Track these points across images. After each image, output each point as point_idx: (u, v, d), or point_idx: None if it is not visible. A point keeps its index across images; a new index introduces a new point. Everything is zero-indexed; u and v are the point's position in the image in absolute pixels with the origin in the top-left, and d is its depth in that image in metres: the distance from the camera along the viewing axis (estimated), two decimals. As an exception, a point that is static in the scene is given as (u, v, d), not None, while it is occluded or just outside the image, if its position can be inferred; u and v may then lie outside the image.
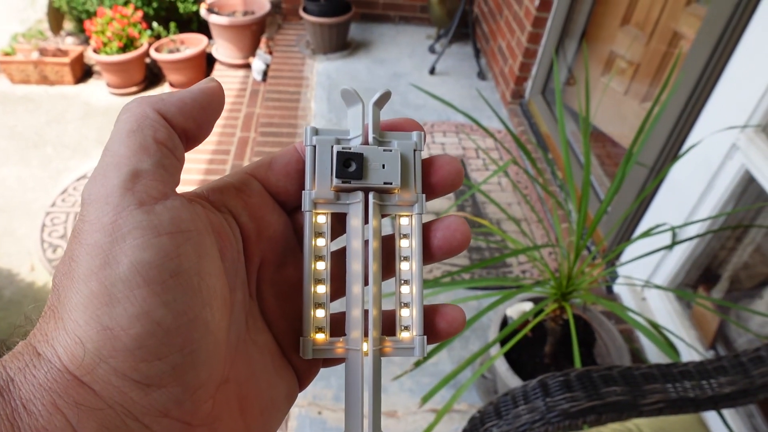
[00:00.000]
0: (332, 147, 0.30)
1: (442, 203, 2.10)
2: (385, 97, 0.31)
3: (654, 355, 1.59)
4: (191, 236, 0.23)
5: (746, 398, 0.75)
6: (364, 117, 0.30)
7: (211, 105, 0.27)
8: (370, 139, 0.30)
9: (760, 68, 1.25)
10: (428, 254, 0.31)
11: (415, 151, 0.31)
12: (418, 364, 1.01)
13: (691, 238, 1.26)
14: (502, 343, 1.32)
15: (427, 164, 0.31)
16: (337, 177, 0.29)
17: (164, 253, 0.22)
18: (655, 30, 1.90)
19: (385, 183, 0.30)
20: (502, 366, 1.30)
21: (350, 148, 0.29)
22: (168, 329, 0.22)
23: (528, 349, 1.38)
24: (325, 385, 1.50)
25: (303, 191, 0.30)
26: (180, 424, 0.23)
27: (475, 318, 1.02)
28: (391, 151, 0.30)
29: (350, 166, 0.29)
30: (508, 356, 1.34)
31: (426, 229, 0.31)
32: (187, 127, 0.26)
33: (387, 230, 0.32)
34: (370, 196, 0.30)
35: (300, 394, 1.38)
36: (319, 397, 1.47)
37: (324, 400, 1.47)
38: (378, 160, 0.30)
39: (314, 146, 0.30)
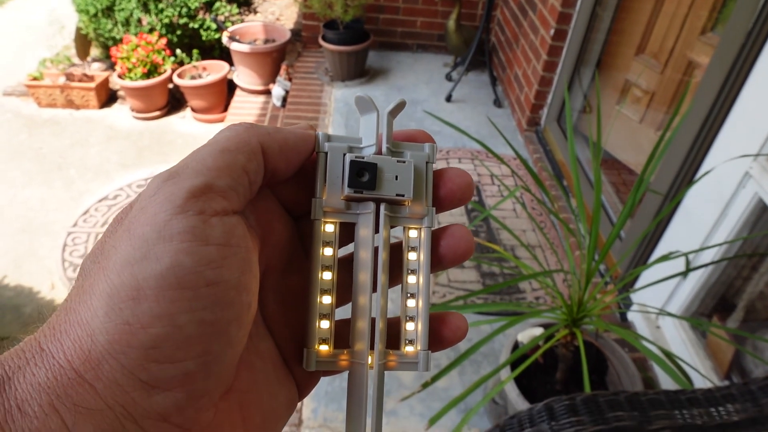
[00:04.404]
0: (345, 155, 0.29)
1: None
2: (399, 107, 0.30)
3: (668, 384, 1.56)
4: (239, 252, 0.24)
5: (755, 427, 0.75)
6: (378, 126, 0.29)
7: (306, 151, 0.28)
8: (384, 149, 0.29)
9: (772, 97, 1.25)
10: (434, 263, 0.30)
11: (427, 163, 0.30)
12: (425, 385, 1.01)
13: (705, 265, 1.25)
14: (513, 367, 1.32)
15: (437, 176, 0.30)
16: (349, 186, 0.28)
17: (206, 262, 0.22)
18: (670, 59, 1.92)
19: (397, 195, 0.29)
20: (512, 391, 1.29)
21: (363, 158, 0.28)
22: (189, 336, 0.21)
23: (539, 376, 1.37)
24: (337, 407, 1.50)
25: (312, 199, 0.29)
26: (179, 430, 0.22)
27: (483, 341, 1.02)
28: (404, 162, 0.29)
29: (363, 176, 0.28)
30: (520, 382, 1.33)
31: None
32: (278, 166, 0.27)
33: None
34: (382, 207, 0.29)
35: (311, 416, 1.36)
36: (330, 419, 1.47)
37: (335, 422, 1.47)
38: (391, 171, 0.29)
39: (326, 153, 0.29)
